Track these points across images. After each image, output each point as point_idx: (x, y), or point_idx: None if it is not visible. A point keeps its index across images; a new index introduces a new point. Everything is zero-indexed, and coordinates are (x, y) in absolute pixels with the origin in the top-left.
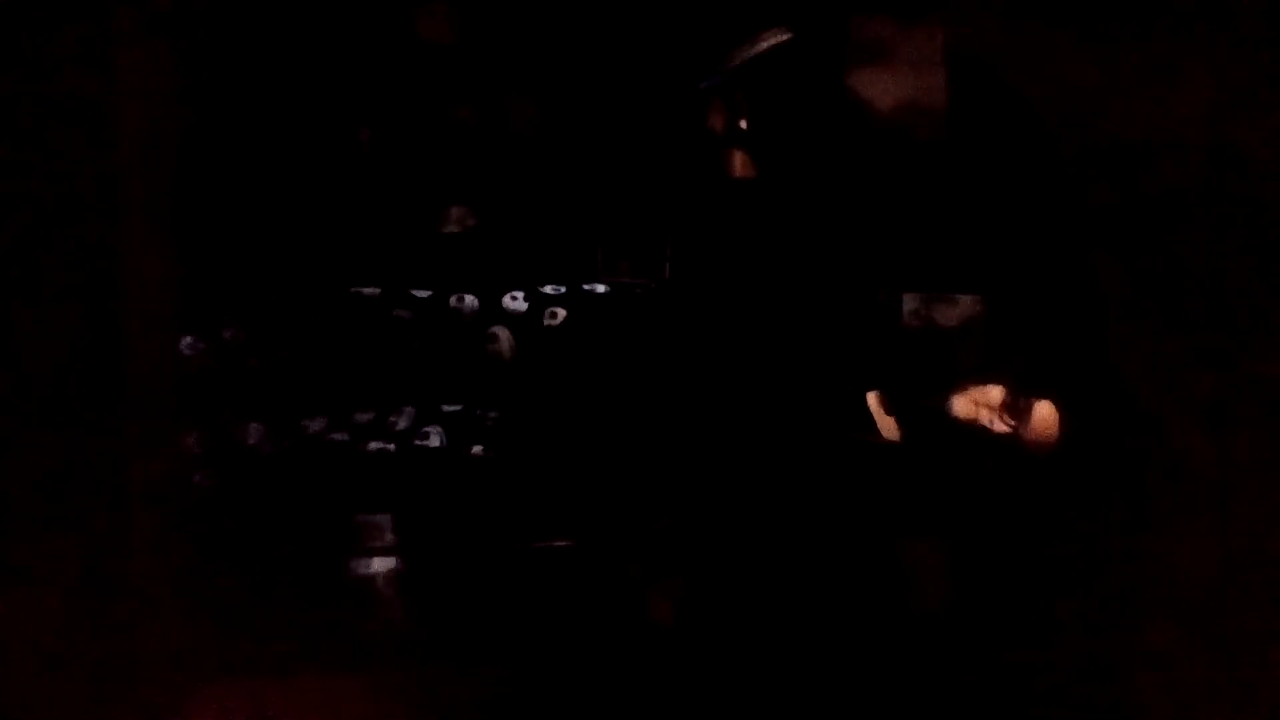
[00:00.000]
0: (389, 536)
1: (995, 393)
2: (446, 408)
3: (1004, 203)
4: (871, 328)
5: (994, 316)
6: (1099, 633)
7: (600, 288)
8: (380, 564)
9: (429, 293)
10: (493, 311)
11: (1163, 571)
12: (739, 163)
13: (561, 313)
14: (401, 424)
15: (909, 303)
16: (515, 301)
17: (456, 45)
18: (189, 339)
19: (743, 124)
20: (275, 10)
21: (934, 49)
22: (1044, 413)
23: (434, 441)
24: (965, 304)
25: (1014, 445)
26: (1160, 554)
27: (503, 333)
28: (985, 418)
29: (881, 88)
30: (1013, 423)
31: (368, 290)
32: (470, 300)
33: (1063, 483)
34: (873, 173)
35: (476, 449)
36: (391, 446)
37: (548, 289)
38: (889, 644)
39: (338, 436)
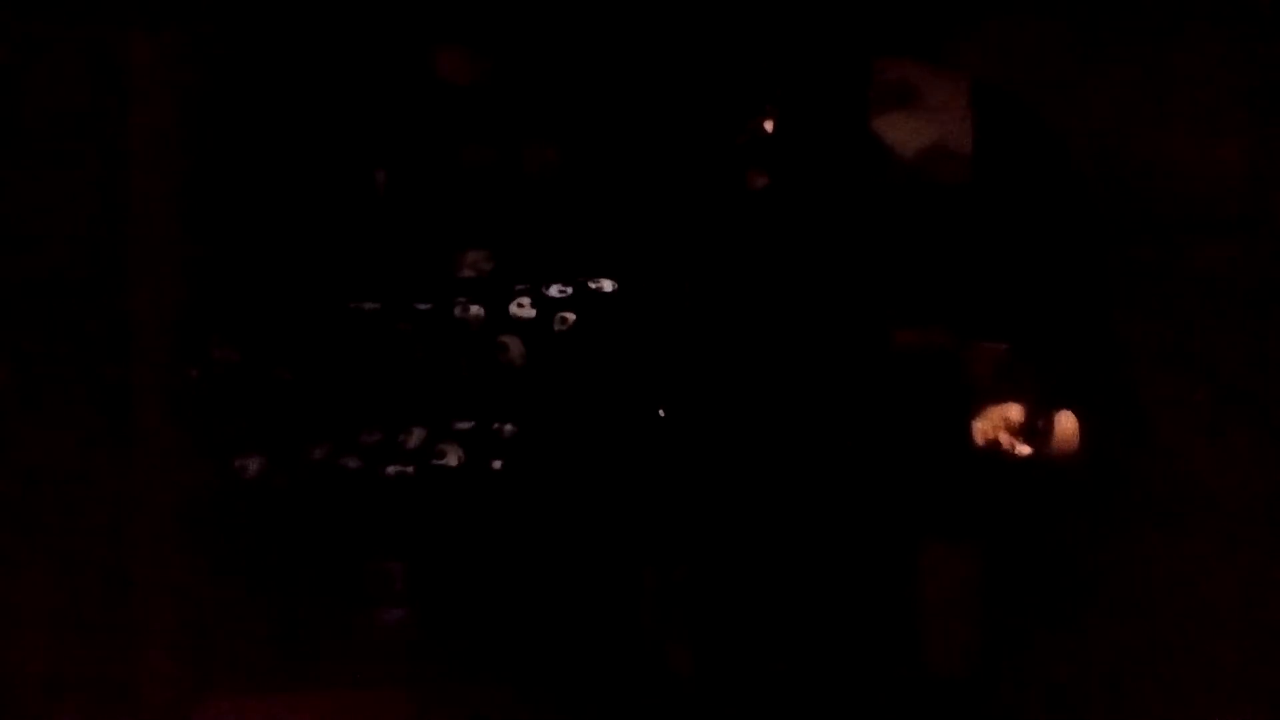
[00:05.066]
0: (399, 578)
1: (1014, 413)
2: (459, 424)
3: (1030, 247)
4: (891, 365)
5: (1018, 359)
6: (1108, 641)
7: (608, 285)
8: (390, 590)
9: (431, 304)
10: (500, 320)
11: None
12: (755, 177)
13: (571, 317)
14: (412, 443)
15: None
16: (522, 309)
17: (475, 87)
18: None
19: (767, 126)
20: (293, 47)
21: (960, 93)
22: (1065, 425)
23: (451, 460)
24: (990, 348)
25: (1038, 463)
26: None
27: (513, 342)
28: (1006, 442)
29: (908, 132)
30: (1034, 443)
31: (368, 305)
32: (476, 309)
33: (1082, 507)
34: (898, 215)
35: (496, 464)
36: (410, 469)
37: (554, 291)
38: (908, 695)
39: (351, 462)
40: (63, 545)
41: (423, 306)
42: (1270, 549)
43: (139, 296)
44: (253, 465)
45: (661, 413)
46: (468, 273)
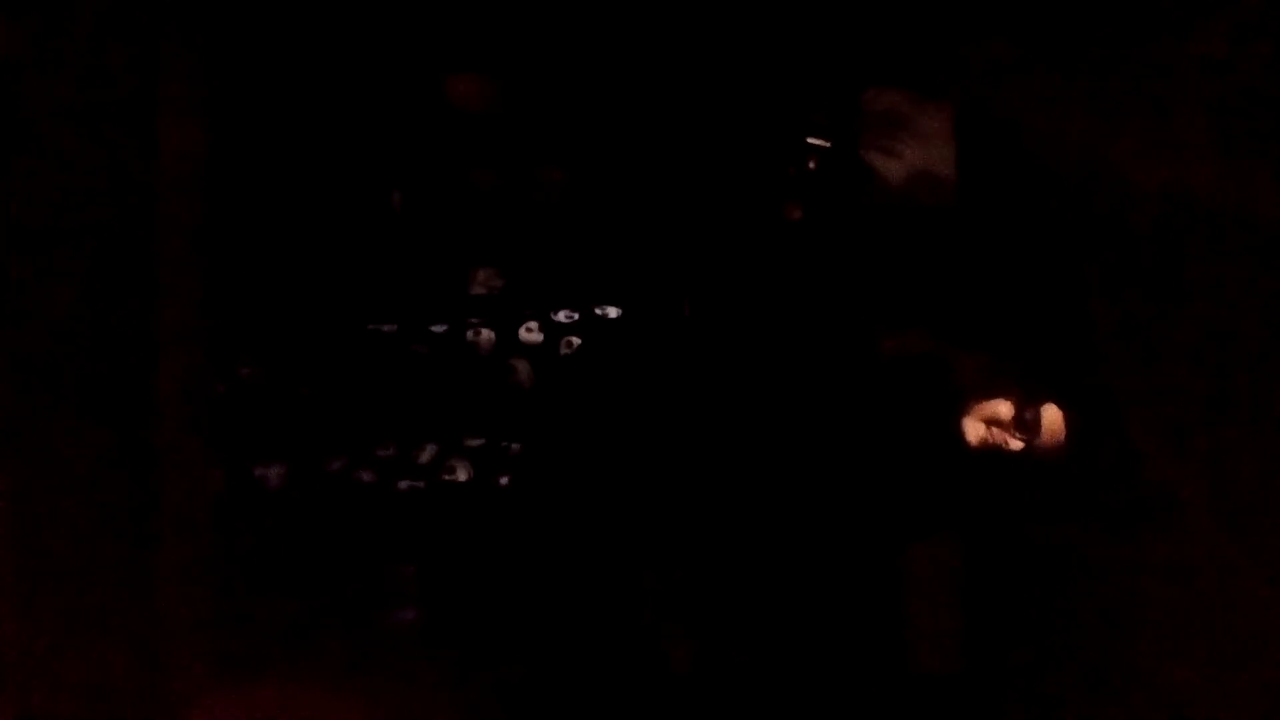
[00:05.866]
0: (411, 579)
1: (1003, 408)
2: (470, 442)
3: (1010, 263)
4: (881, 373)
5: (1002, 363)
6: (1097, 641)
7: (613, 311)
8: (401, 590)
9: (444, 327)
10: (509, 343)
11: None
12: (792, 208)
13: (576, 341)
14: (424, 458)
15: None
16: (531, 333)
17: (486, 113)
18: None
19: (811, 165)
20: (314, 77)
21: (945, 120)
22: (1051, 417)
23: (461, 476)
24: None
25: (1030, 456)
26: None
27: (521, 365)
28: (998, 437)
29: (896, 157)
30: (1026, 436)
31: (386, 326)
32: (487, 333)
33: (1061, 506)
34: (887, 236)
35: (503, 480)
36: (421, 484)
37: (561, 316)
38: (895, 690)
39: (366, 475)
40: (90, 549)
41: (437, 329)
42: (1233, 548)
43: (167, 315)
44: (272, 475)
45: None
46: (479, 290)
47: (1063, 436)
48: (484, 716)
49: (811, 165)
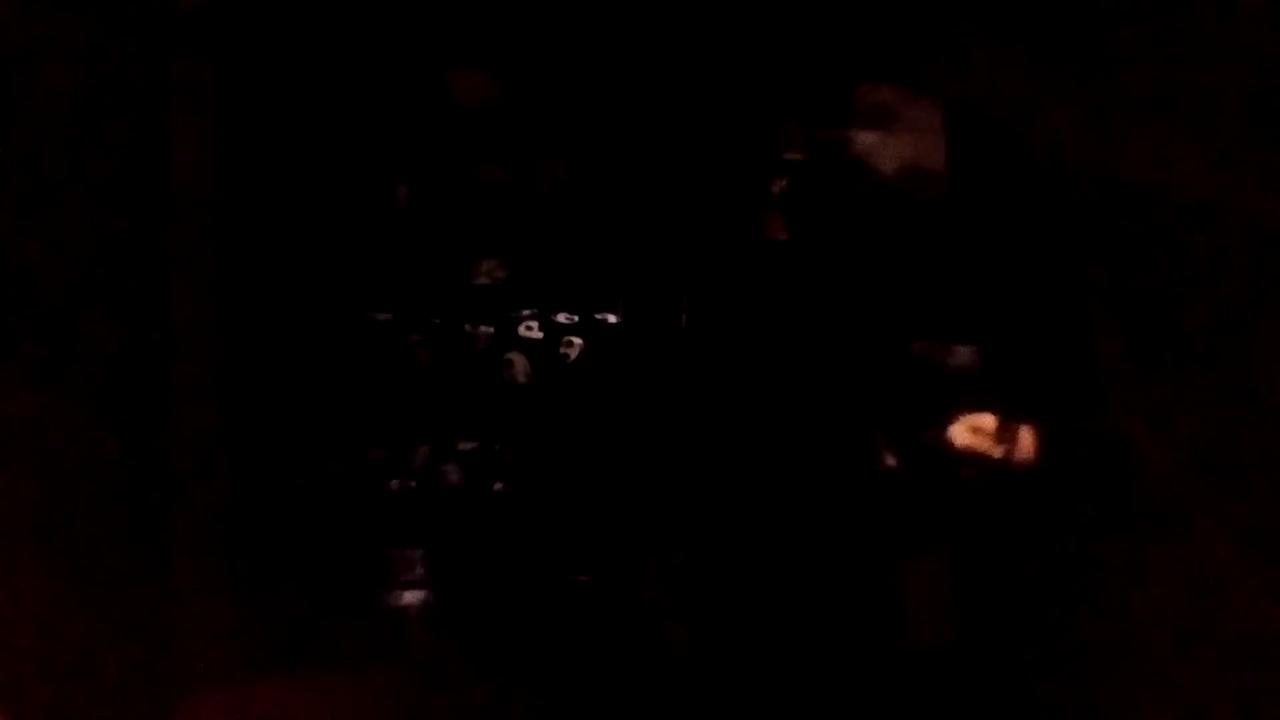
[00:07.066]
0: (416, 563)
1: (988, 421)
2: (463, 445)
3: (1001, 259)
4: (877, 371)
5: (990, 364)
6: (1091, 645)
7: (613, 317)
8: (404, 575)
9: (441, 320)
10: (508, 339)
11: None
12: (774, 225)
13: (578, 342)
14: (418, 461)
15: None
16: (530, 330)
17: (489, 108)
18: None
19: (783, 184)
20: (319, 75)
21: (935, 115)
22: (1026, 436)
23: (453, 478)
24: (963, 353)
25: (1004, 466)
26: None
27: (519, 360)
28: (982, 445)
29: (886, 151)
30: (1004, 447)
31: (381, 316)
32: (485, 328)
33: (1055, 506)
34: (877, 230)
35: (498, 485)
36: (413, 484)
37: (561, 317)
38: (895, 675)
39: (375, 468)
40: (104, 549)
41: (435, 320)
42: (1236, 551)
43: (180, 312)
44: (275, 469)
45: None
46: (482, 280)
47: (1033, 453)
48: (489, 705)
49: (785, 183)
